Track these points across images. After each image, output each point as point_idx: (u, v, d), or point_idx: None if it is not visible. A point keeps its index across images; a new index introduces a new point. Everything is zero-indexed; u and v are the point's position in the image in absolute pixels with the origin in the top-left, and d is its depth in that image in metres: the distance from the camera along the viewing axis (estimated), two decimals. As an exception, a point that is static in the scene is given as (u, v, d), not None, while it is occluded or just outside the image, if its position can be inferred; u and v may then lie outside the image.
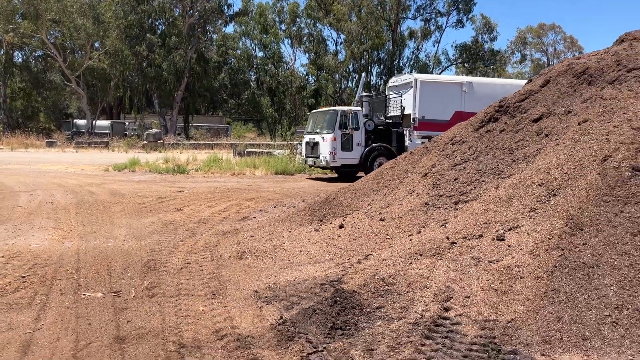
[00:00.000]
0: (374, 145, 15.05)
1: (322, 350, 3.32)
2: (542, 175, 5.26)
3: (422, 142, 14.91)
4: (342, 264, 5.09)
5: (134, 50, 37.37)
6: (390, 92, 16.83)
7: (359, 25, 33.77)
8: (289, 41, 43.59)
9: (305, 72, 44.17)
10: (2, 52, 39.07)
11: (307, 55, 43.35)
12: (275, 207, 8.62)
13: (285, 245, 5.96)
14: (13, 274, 4.85)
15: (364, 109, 15.85)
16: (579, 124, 5.77)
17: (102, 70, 38.17)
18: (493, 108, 7.65)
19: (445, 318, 3.71)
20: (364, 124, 15.09)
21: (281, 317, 3.86)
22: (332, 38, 41.57)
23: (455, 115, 15.65)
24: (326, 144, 14.74)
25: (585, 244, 4.00)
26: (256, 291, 4.48)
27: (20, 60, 42.75)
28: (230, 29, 52.13)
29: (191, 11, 39.82)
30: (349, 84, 40.45)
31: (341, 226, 6.45)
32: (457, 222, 5.30)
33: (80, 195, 10.29)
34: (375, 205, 6.95)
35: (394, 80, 17.48)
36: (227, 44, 48.84)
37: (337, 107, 15.89)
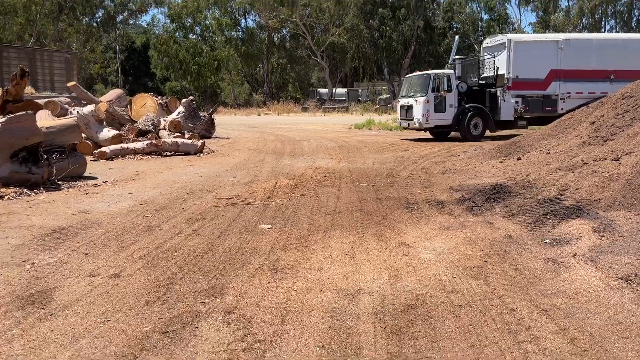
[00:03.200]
0: (466, 106, 15.63)
1: (480, 205, 6.48)
2: (665, 119, 7.27)
3: (516, 101, 15.35)
4: (509, 177, 7.99)
5: (368, 24, 42.19)
6: (485, 54, 17.11)
7: (591, -21, 32.48)
8: (516, 1, 43.36)
9: (532, 31, 43.50)
10: (265, 35, 47.92)
11: (535, 14, 42.59)
12: (476, 150, 11.58)
13: (476, 168, 9.03)
14: (320, 175, 9.03)
15: (456, 71, 16.23)
16: None
17: (342, 45, 44.13)
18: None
19: (557, 198, 6.45)
20: (457, 85, 15.62)
21: (462, 196, 7.08)
22: (564, -7, 39.96)
23: (551, 73, 15.90)
24: (419, 106, 15.51)
25: (663, 159, 6.24)
26: (450, 187, 7.75)
27: (277, 41, 51.57)
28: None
29: (418, -18, 42.75)
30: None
31: (519, 159, 9.18)
32: (595, 152, 7.68)
33: (338, 142, 14.76)
34: (549, 145, 9.43)
35: (488, 42, 17.74)
36: (454, 8, 50.55)
37: (429, 71, 16.65)
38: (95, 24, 40.48)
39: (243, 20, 51.67)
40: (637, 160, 6.61)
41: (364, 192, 7.59)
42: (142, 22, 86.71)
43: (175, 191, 7.64)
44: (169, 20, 46.12)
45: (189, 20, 45.44)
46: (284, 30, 47.49)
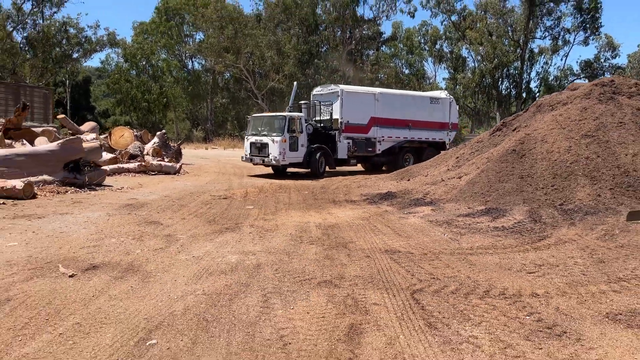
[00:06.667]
0: (313, 146, 17.22)
1: (376, 201, 10.75)
2: (489, 154, 11.98)
3: (348, 142, 18.30)
4: (398, 189, 12.38)
5: (305, 73, 47.30)
6: (315, 100, 19.13)
7: (488, 47, 39.39)
8: (432, 60, 50.26)
9: (445, 87, 50.35)
10: (210, 77, 51.89)
11: (447, 71, 49.49)
12: (383, 176, 16.08)
13: (380, 185, 13.41)
14: (275, 187, 13.05)
15: (304, 114, 17.85)
16: (517, 131, 12.29)
17: (280, 90, 48.85)
18: (500, 123, 14.17)
19: (422, 198, 10.86)
20: (305, 127, 17.21)
21: (367, 198, 11.35)
22: (471, 56, 47.14)
23: (371, 120, 18.83)
24: (276, 145, 16.43)
25: (479, 176, 10.82)
26: (361, 194, 12.02)
27: (221, 83, 55.69)
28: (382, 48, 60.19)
29: (349, 39, 48.67)
30: (480, 97, 46.09)
31: (408, 180, 13.65)
32: (451, 174, 12.26)
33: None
34: (428, 171, 14.01)
35: (319, 90, 19.92)
36: (380, 62, 57.06)
37: (284, 113, 17.68)
38: (51, 60, 42.89)
39: (190, 63, 55.56)
40: (469, 178, 11.19)
41: (306, 196, 11.70)
42: (95, 59, 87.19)
43: (180, 192, 11.41)
44: (122, 60, 49.22)
45: (143, 62, 48.82)
46: (227, 74, 51.73)
